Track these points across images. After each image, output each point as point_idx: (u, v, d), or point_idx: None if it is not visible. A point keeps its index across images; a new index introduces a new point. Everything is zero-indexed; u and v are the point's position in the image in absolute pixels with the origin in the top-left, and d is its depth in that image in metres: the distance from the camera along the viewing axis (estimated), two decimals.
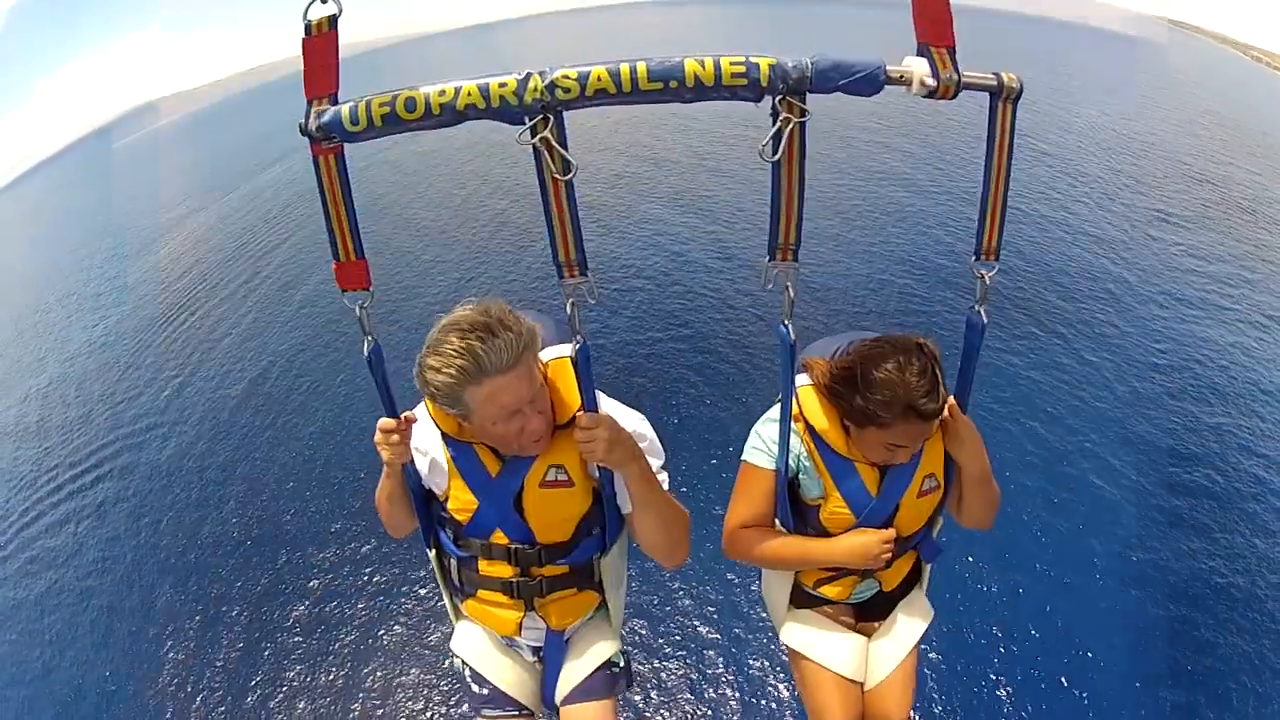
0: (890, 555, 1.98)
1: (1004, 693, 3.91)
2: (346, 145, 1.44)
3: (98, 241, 19.43)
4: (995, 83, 1.39)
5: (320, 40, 1.36)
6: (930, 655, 4.02)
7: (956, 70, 1.33)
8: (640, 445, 1.77)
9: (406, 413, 1.78)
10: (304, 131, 1.39)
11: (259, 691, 4.42)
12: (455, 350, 1.53)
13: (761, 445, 2.01)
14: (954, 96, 1.35)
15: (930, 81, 1.32)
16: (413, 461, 1.83)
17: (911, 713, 2.21)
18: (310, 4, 1.32)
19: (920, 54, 1.33)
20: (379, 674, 4.35)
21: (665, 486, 1.86)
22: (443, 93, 1.34)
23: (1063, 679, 3.97)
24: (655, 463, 1.84)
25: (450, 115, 1.35)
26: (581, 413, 1.69)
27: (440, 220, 14.19)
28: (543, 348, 1.73)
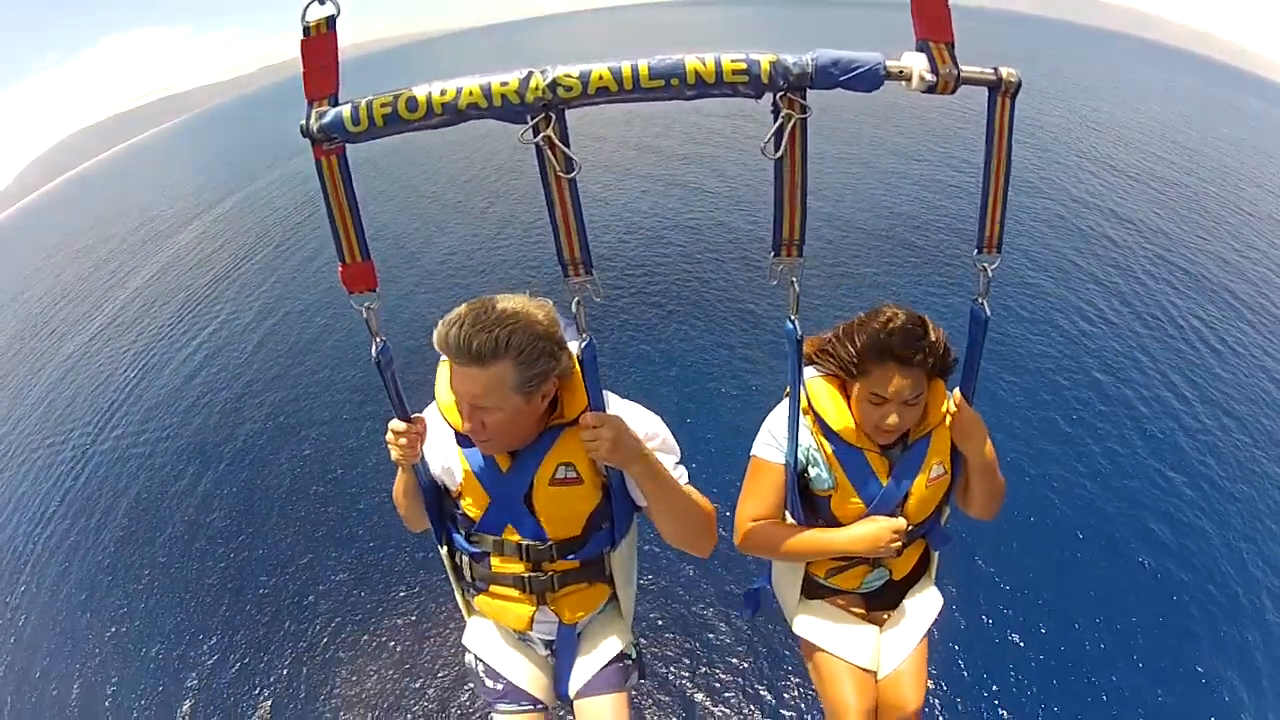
0: (901, 543, 2.00)
1: (1014, 676, 3.92)
2: (349, 146, 1.43)
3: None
4: (994, 78, 1.38)
5: (319, 41, 1.35)
6: (941, 642, 4.04)
7: (955, 65, 1.32)
8: (651, 444, 1.77)
9: (417, 415, 1.79)
10: (305, 133, 1.38)
11: (269, 690, 4.46)
12: (448, 318, 1.61)
13: (771, 440, 2.03)
14: (953, 91, 1.34)
15: (929, 77, 1.31)
16: (423, 460, 1.85)
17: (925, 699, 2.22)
18: (308, 5, 1.32)
19: (920, 49, 1.33)
20: (391, 672, 4.37)
21: (684, 482, 1.84)
22: (444, 92, 1.33)
23: (1072, 661, 3.99)
24: (669, 459, 1.82)
25: (452, 115, 1.35)
26: (587, 412, 1.68)
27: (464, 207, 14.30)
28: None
